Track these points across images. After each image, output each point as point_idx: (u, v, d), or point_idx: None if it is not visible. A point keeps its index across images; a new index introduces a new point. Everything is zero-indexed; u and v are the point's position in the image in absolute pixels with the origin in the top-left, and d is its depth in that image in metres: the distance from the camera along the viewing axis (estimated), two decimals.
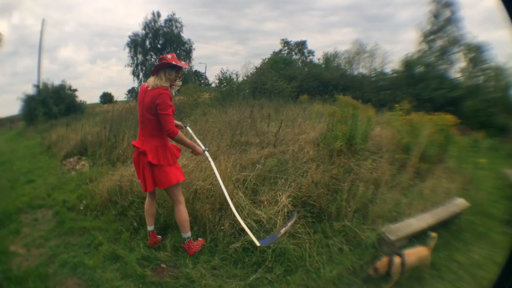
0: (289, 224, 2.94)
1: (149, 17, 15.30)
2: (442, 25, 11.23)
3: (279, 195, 3.38)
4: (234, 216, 2.81)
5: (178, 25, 15.61)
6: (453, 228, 3.26)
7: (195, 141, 3.21)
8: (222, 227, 3.10)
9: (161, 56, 2.83)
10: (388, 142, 4.60)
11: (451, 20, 11.17)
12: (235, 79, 11.04)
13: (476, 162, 4.70)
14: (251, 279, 2.56)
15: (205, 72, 17.05)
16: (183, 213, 2.88)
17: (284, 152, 4.51)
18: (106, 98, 15.38)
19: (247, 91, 10.83)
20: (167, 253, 2.94)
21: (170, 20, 15.46)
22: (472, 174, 4.44)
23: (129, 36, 15.10)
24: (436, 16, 11.33)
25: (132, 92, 16.02)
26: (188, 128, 3.41)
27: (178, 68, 2.81)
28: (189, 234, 2.94)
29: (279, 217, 3.10)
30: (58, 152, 6.97)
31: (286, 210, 3.19)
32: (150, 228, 3.11)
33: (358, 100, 4.90)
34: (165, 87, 2.72)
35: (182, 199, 2.92)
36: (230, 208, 2.83)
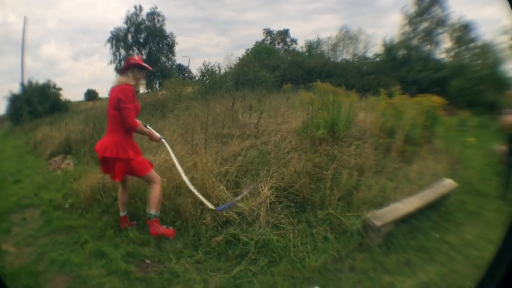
0: (245, 192, 3.19)
1: (131, 11, 15.00)
2: (427, 6, 11.28)
3: (261, 187, 3.45)
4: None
5: (160, 18, 15.38)
6: (442, 209, 3.32)
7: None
8: (204, 221, 3.18)
9: (128, 57, 3.17)
10: (372, 127, 4.65)
11: (436, 1, 11.20)
12: (217, 72, 11.04)
13: (464, 141, 4.71)
14: (234, 271, 2.63)
15: (188, 66, 16.89)
16: (156, 190, 3.09)
17: (266, 143, 4.56)
18: (91, 95, 15.26)
19: (230, 83, 10.88)
20: (151, 248, 3.02)
21: (152, 14, 15.19)
22: (460, 153, 4.50)
23: (111, 32, 14.85)
24: None
25: None
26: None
27: (144, 69, 3.16)
28: (157, 212, 3.11)
29: (262, 209, 3.18)
30: (43, 151, 6.99)
31: (268, 202, 3.27)
32: (122, 213, 3.39)
33: (341, 87, 4.94)
34: (128, 84, 3.03)
35: (157, 179, 3.15)
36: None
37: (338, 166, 3.73)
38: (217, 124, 5.61)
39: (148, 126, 3.52)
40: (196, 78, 13.05)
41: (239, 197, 3.14)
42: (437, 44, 11.23)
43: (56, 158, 6.50)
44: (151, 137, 3.30)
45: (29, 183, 5.31)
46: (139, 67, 3.10)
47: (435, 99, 4.49)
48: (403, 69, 9.94)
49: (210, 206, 2.89)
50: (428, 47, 11.25)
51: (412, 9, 11.49)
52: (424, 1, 11.30)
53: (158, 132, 3.45)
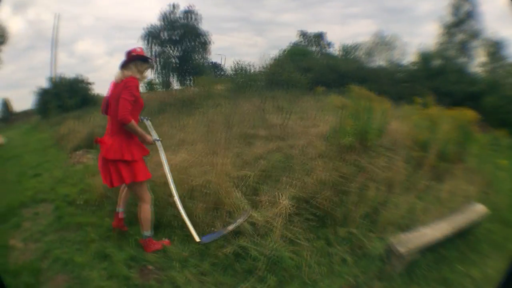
0: (239, 221, 2.95)
1: (166, 8, 15.66)
2: (462, 18, 11.11)
3: (280, 196, 3.29)
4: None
5: (196, 17, 15.87)
6: (470, 238, 3.05)
7: (149, 133, 3.27)
8: (213, 229, 3.07)
9: (129, 50, 2.98)
10: (405, 138, 4.42)
11: (471, 14, 11.04)
12: (250, 71, 11.18)
13: (496, 162, 4.47)
14: None
15: (222, 64, 17.21)
16: (146, 212, 2.98)
17: (292, 147, 4.43)
18: None
19: (260, 83, 11.00)
20: (156, 254, 2.95)
21: (188, 12, 15.72)
22: (492, 176, 4.19)
23: (144, 28, 15.55)
24: (456, 8, 11.23)
25: (149, 84, 16.47)
26: (146, 121, 3.41)
27: (147, 61, 3.07)
28: (149, 233, 3.01)
29: (278, 221, 3.01)
30: (66, 145, 7.25)
31: (286, 213, 3.11)
32: (119, 209, 3.29)
33: (374, 93, 4.71)
34: (133, 77, 2.89)
35: (147, 197, 3.01)
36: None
37: (365, 178, 3.51)
38: (244, 124, 5.60)
39: (148, 122, 3.40)
40: (227, 75, 13.33)
41: (230, 227, 2.94)
42: (471, 57, 11.05)
43: (78, 152, 6.68)
44: (144, 138, 3.04)
45: (48, 177, 5.45)
46: (142, 59, 3.00)
47: (469, 114, 4.24)
48: (437, 79, 9.84)
49: (197, 238, 2.71)
50: (463, 59, 11.08)
51: (448, 18, 11.40)
52: (460, 12, 11.17)
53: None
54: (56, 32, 12.43)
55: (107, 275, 2.71)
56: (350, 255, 2.77)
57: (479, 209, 3.24)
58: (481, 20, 10.94)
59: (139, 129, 2.96)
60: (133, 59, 2.95)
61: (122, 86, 2.84)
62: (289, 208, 3.14)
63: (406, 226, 3.01)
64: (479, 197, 3.51)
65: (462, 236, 3.00)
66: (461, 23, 11.16)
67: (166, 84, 15.76)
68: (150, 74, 3.58)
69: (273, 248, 2.74)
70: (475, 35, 10.93)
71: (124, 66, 2.95)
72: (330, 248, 2.83)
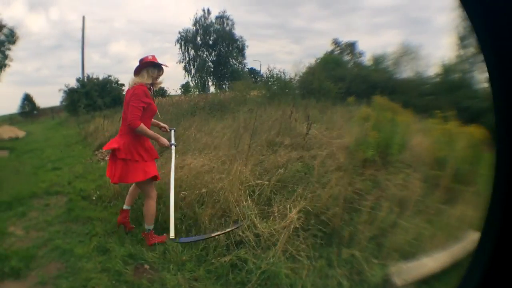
0: (226, 230, 3.03)
1: (199, 14, 16.55)
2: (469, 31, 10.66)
3: (290, 208, 3.26)
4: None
5: (229, 22, 16.59)
6: (462, 270, 2.78)
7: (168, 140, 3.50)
8: (216, 237, 3.11)
9: (142, 57, 3.26)
10: (425, 154, 4.30)
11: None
12: (284, 78, 11.51)
13: None
14: None
15: (260, 70, 17.71)
16: (150, 207, 3.25)
17: (314, 157, 4.40)
18: (158, 92, 16.85)
19: (297, 91, 11.30)
20: (155, 254, 3.02)
21: (221, 17, 16.49)
22: None
23: (179, 32, 16.51)
24: (463, 20, 10.90)
25: (185, 86, 17.34)
26: (172, 131, 3.67)
27: (159, 67, 3.31)
28: (151, 226, 3.25)
29: (283, 235, 2.98)
30: (93, 142, 7.74)
31: (293, 226, 3.08)
32: (126, 207, 3.53)
33: (400, 105, 4.63)
34: (142, 84, 3.17)
35: (153, 194, 3.28)
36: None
37: (379, 196, 3.42)
38: (272, 131, 5.69)
39: (173, 132, 3.66)
40: (261, 82, 13.75)
41: (214, 233, 3.02)
42: (479, 71, 10.56)
43: (103, 150, 7.23)
44: (157, 140, 3.29)
45: (67, 171, 5.81)
46: (153, 65, 3.25)
47: (479, 132, 4.03)
48: (458, 93, 9.68)
49: (172, 234, 2.78)
50: (473, 73, 10.76)
51: (459, 31, 11.10)
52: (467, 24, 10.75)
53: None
54: (83, 33, 13.67)
55: (101, 268, 2.82)
56: (347, 280, 2.65)
57: (476, 238, 3.00)
58: None
59: (150, 132, 3.23)
60: (145, 66, 3.23)
61: (131, 93, 3.14)
62: (297, 222, 3.08)
63: (410, 253, 2.86)
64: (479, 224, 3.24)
65: (456, 267, 2.80)
66: (469, 35, 10.98)
67: (202, 87, 16.48)
68: (162, 80, 3.85)
69: (272, 262, 2.69)
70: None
71: (136, 72, 3.25)
72: (330, 270, 2.72)
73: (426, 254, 2.82)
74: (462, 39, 11.04)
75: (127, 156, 3.11)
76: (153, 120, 3.45)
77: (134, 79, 3.24)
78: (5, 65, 12.85)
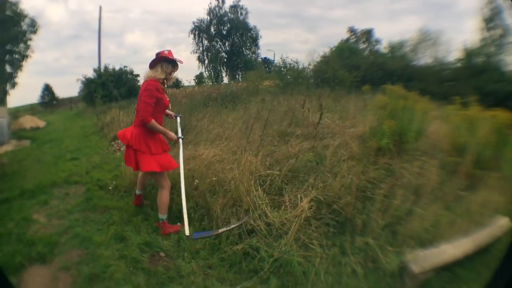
0: (232, 226, 3.04)
1: (214, 3, 16.46)
2: (496, 12, 10.71)
3: (301, 197, 3.29)
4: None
5: (243, 11, 16.47)
6: (489, 256, 2.76)
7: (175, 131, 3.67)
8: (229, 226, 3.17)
9: (158, 51, 3.31)
10: (443, 141, 4.24)
11: (502, 8, 10.67)
12: (297, 67, 11.42)
13: None
14: (238, 286, 2.55)
15: (273, 60, 17.59)
16: (164, 197, 3.34)
17: (326, 147, 4.39)
18: (173, 83, 17.00)
19: (311, 80, 11.23)
20: (170, 242, 3.12)
21: (235, 7, 16.36)
22: None
23: (193, 22, 16.48)
24: (491, 2, 10.87)
25: (199, 77, 17.42)
26: (178, 118, 3.79)
27: (174, 63, 3.37)
28: (165, 216, 3.35)
29: (294, 223, 3.03)
30: (109, 133, 7.87)
31: (305, 216, 3.10)
32: (138, 192, 3.82)
33: (418, 92, 4.55)
34: (154, 79, 3.27)
35: (166, 184, 3.37)
36: None
37: (394, 184, 3.38)
38: (284, 122, 5.70)
39: (178, 119, 3.75)
40: (273, 72, 13.68)
41: (221, 230, 3.03)
42: (507, 53, 10.60)
43: (119, 141, 7.37)
44: (166, 135, 3.40)
45: (85, 161, 5.95)
46: (167, 60, 3.31)
47: (506, 116, 3.96)
48: (481, 77, 9.64)
49: (187, 232, 2.90)
50: (501, 56, 10.71)
51: (486, 13, 10.96)
52: (494, 6, 10.74)
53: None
54: (100, 24, 13.80)
55: (119, 255, 2.93)
56: (362, 267, 2.66)
57: (503, 224, 2.96)
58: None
59: (161, 128, 3.32)
60: (160, 60, 3.30)
61: (144, 88, 3.24)
62: (309, 211, 3.11)
63: (428, 240, 2.83)
64: (508, 209, 3.21)
65: (481, 253, 2.77)
66: (495, 17, 10.84)
67: (216, 78, 16.52)
68: (176, 76, 3.96)
69: (284, 251, 2.73)
70: (507, 30, 10.66)
71: (151, 66, 3.32)
72: (343, 258, 2.74)
73: (446, 240, 2.79)
74: (487, 21, 10.84)
75: (136, 147, 3.23)
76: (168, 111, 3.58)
77: (148, 72, 3.31)
78: (27, 56, 13.11)
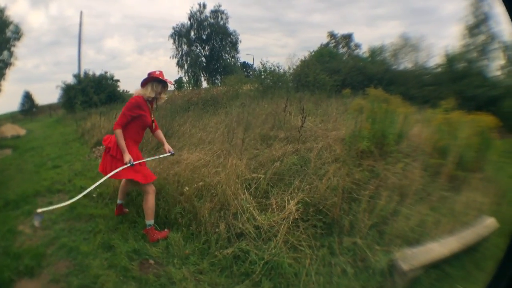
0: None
1: (195, 8, 16.47)
2: (482, 19, 10.95)
3: (287, 200, 3.34)
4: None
5: (224, 16, 16.55)
6: (477, 255, 2.90)
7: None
8: (217, 230, 3.16)
9: (150, 72, 3.39)
10: (425, 144, 4.34)
11: (488, 15, 10.91)
12: (277, 71, 11.51)
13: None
14: None
15: (252, 64, 17.70)
16: (149, 202, 3.35)
17: (310, 150, 4.44)
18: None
19: (290, 84, 11.35)
20: (159, 249, 3.10)
21: (216, 11, 16.42)
22: (507, 185, 4.02)
23: (173, 27, 16.44)
24: (475, 9, 11.12)
25: (178, 82, 17.28)
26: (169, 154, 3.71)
27: (164, 83, 3.46)
28: (152, 221, 3.36)
29: (282, 226, 3.05)
30: (90, 139, 7.71)
31: (292, 218, 3.14)
32: (119, 201, 3.83)
33: (399, 96, 4.69)
34: (140, 96, 3.36)
35: (150, 189, 3.37)
36: None
37: (378, 186, 3.47)
38: (266, 125, 5.72)
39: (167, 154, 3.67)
40: (253, 76, 13.75)
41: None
42: (491, 60, 10.90)
43: (101, 147, 7.21)
44: (123, 153, 3.29)
45: (67, 169, 5.83)
46: (158, 80, 3.40)
47: (489, 119, 4.15)
48: (462, 82, 9.86)
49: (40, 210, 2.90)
50: (483, 62, 10.98)
51: (469, 20, 11.25)
52: (479, 13, 11.03)
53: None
54: (80, 29, 13.48)
55: (108, 264, 2.90)
56: (351, 267, 2.73)
57: (489, 224, 3.11)
58: (498, 21, 10.79)
59: (123, 143, 3.28)
60: (151, 80, 3.39)
61: (128, 101, 3.40)
62: (296, 213, 3.16)
63: (414, 239, 2.93)
64: (492, 209, 3.38)
65: (469, 252, 2.89)
66: (480, 24, 11.13)
67: (195, 83, 16.43)
68: (166, 96, 3.95)
69: (274, 253, 2.78)
70: (494, 37, 10.91)
71: (142, 85, 3.41)
72: (333, 258, 2.81)
73: (432, 239, 2.90)
74: (471, 27, 11.27)
75: (113, 153, 3.32)
76: (162, 137, 3.68)
77: (139, 90, 3.41)
78: (10, 64, 12.64)
